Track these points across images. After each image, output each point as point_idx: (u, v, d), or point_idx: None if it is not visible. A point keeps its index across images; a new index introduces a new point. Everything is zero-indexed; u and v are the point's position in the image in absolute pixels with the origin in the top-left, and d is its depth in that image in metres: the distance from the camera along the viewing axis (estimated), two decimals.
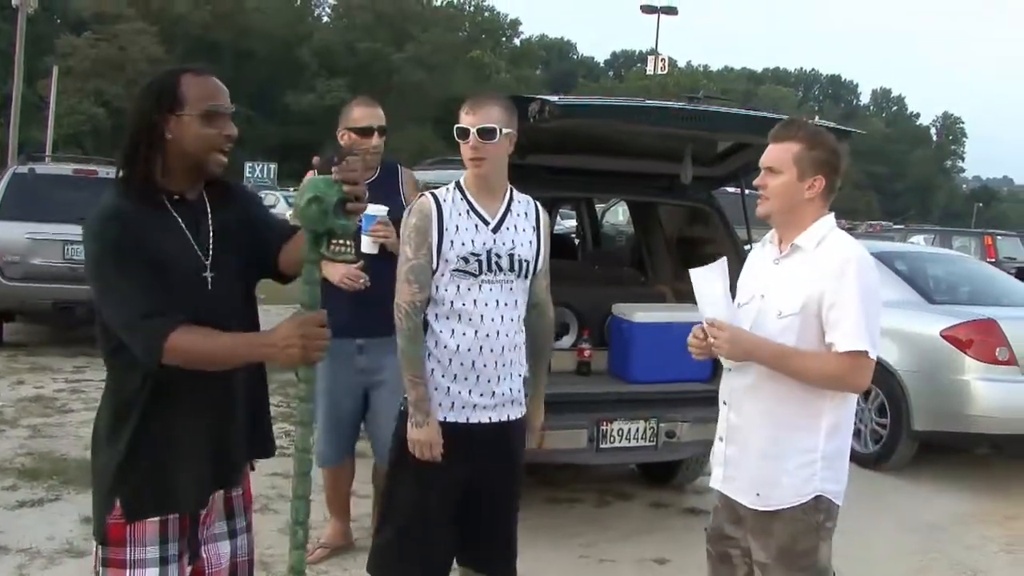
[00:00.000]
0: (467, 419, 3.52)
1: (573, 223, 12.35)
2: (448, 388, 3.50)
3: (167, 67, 2.64)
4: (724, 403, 3.30)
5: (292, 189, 34.96)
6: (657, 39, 47.39)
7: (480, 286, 3.46)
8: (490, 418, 3.55)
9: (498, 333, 3.49)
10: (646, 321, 5.99)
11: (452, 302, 3.46)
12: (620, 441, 5.51)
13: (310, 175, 2.60)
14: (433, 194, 3.54)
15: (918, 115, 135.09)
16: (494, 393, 3.53)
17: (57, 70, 31.92)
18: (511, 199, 3.61)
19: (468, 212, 3.50)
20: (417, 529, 3.55)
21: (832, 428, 3.13)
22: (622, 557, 5.52)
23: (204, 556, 2.64)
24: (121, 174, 2.51)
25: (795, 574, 3.13)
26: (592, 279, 7.30)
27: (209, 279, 2.53)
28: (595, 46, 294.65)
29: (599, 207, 12.03)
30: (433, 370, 3.49)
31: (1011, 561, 5.93)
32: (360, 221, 4.49)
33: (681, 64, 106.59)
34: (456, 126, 3.47)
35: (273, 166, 45.68)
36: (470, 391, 3.50)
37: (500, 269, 3.48)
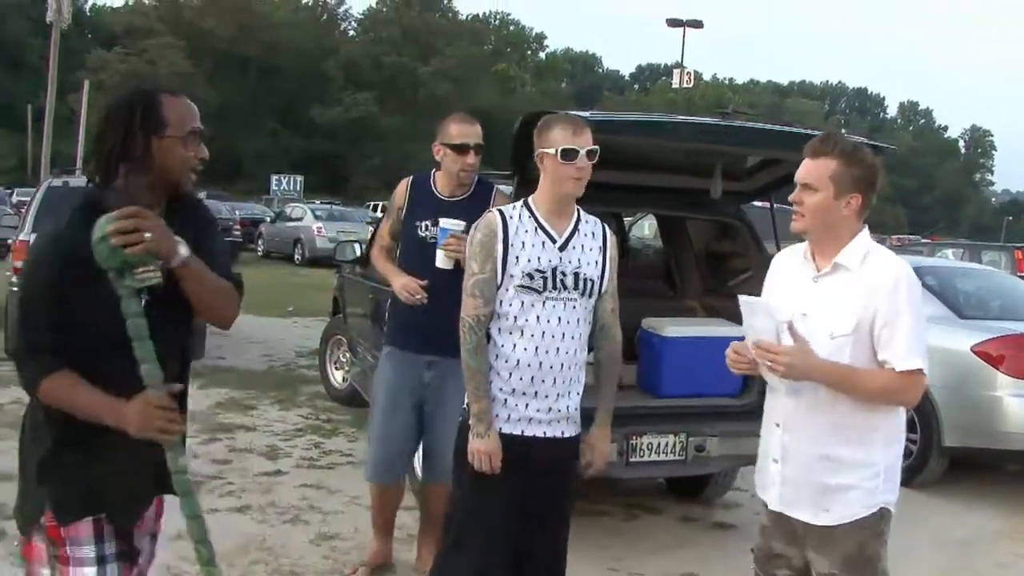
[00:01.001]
0: (522, 432, 3.56)
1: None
2: (506, 400, 3.55)
3: (137, 84, 2.64)
4: (777, 425, 3.28)
5: (319, 202, 35.16)
6: (683, 52, 47.38)
7: (544, 303, 3.50)
8: (545, 433, 3.58)
9: (558, 350, 3.53)
10: (676, 335, 6.00)
11: (515, 317, 3.50)
12: (649, 455, 5.52)
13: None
14: (500, 210, 3.59)
15: (946, 128, 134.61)
16: (551, 409, 3.56)
17: (88, 84, 32.22)
18: (579, 219, 3.66)
19: (536, 229, 3.54)
20: (471, 540, 3.59)
21: (887, 440, 3.16)
22: (651, 571, 5.52)
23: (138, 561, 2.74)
24: (92, 191, 2.54)
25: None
26: (621, 292, 7.29)
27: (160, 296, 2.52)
28: (620, 59, 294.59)
29: (627, 221, 12.02)
30: (492, 382, 3.54)
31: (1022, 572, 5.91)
32: (424, 229, 4.65)
33: (707, 77, 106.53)
34: (562, 148, 3.46)
35: (299, 179, 45.94)
36: (527, 405, 3.54)
37: (565, 287, 3.52)
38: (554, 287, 3.50)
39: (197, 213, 2.71)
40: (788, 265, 3.38)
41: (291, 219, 30.75)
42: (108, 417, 2.52)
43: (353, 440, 7.84)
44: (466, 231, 4.22)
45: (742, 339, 6.11)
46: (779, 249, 6.33)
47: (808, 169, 3.15)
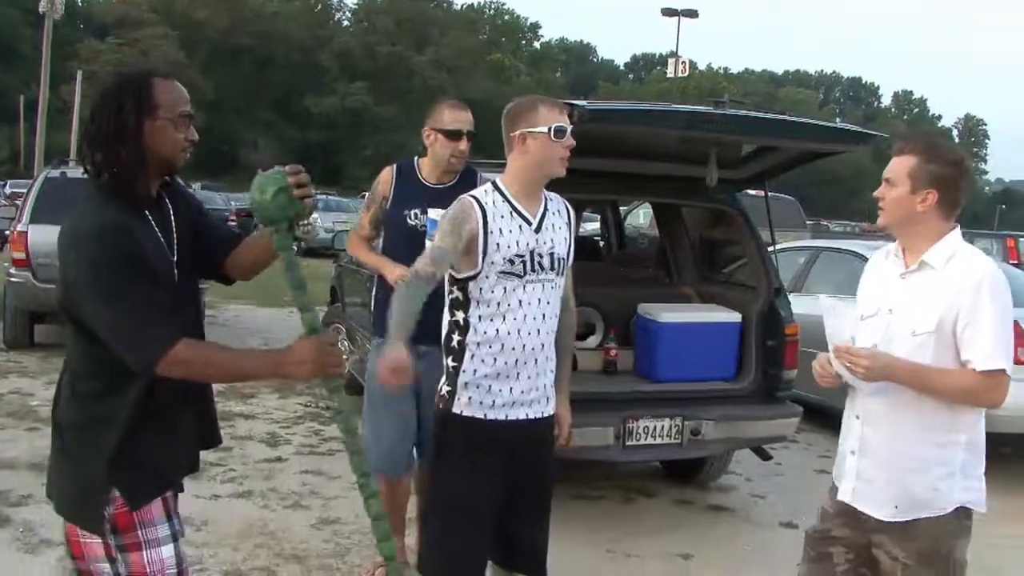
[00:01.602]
0: (506, 416, 3.57)
1: (596, 226, 12.44)
2: (490, 387, 3.54)
3: (129, 70, 2.66)
4: (857, 418, 3.31)
5: (316, 192, 35.11)
6: (678, 42, 47.46)
7: (525, 286, 3.51)
8: (527, 415, 3.61)
9: (539, 331, 3.55)
10: (672, 321, 6.08)
11: (499, 303, 3.50)
12: (646, 439, 5.60)
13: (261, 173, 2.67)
14: (476, 198, 3.56)
15: (940, 117, 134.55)
16: (533, 389, 3.59)
17: (81, 75, 32.21)
18: (546, 198, 3.66)
19: (511, 213, 3.54)
20: (457, 527, 3.60)
21: (969, 443, 3.18)
22: (648, 552, 5.60)
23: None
24: (103, 180, 2.54)
25: (935, 570, 3.18)
26: (617, 280, 7.40)
27: (176, 278, 2.61)
28: (615, 49, 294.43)
29: (622, 210, 12.09)
30: (476, 370, 3.54)
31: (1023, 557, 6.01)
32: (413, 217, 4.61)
33: (701, 66, 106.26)
34: (555, 125, 3.46)
35: None
36: (511, 388, 3.55)
37: (542, 268, 3.54)
38: (533, 269, 3.51)
39: (187, 194, 2.79)
40: (880, 263, 3.41)
41: None
42: (270, 366, 2.64)
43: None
44: None
45: (737, 324, 6.24)
46: (773, 236, 6.49)
47: (891, 165, 3.19)
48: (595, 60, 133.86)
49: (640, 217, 18.46)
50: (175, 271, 2.61)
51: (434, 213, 4.41)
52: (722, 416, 5.79)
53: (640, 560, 5.50)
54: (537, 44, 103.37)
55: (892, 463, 3.19)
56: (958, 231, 3.22)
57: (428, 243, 4.30)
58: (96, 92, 2.59)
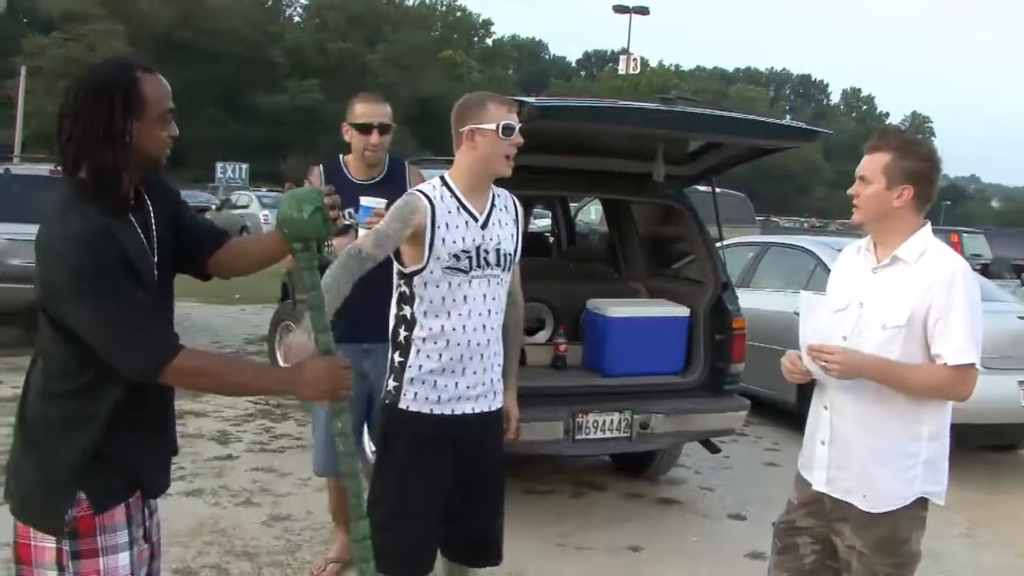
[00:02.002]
0: (452, 411, 3.59)
1: (547, 222, 12.48)
2: (435, 382, 3.56)
3: (113, 61, 2.53)
4: (825, 408, 3.36)
5: (265, 189, 34.88)
6: (629, 39, 47.61)
7: (471, 282, 3.53)
8: (473, 409, 3.63)
9: (484, 326, 3.57)
10: (620, 315, 6.13)
11: (444, 298, 3.51)
12: (595, 433, 5.64)
13: (290, 187, 2.67)
14: (424, 193, 3.56)
15: (888, 114, 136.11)
16: (480, 384, 3.61)
17: (25, 70, 31.79)
18: (493, 194, 3.68)
19: (458, 209, 3.55)
20: (403, 520, 3.58)
21: (933, 435, 3.23)
22: (598, 545, 5.64)
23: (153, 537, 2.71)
24: (82, 180, 2.43)
25: (891, 559, 3.25)
26: (567, 275, 7.44)
27: (156, 278, 2.56)
28: (567, 46, 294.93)
29: (573, 206, 12.15)
30: (422, 365, 3.55)
31: (971, 544, 6.13)
32: (348, 217, 4.57)
33: (653, 64, 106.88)
34: (503, 123, 3.48)
35: (245, 166, 45.39)
36: (456, 384, 3.57)
37: (488, 264, 3.55)
38: (478, 265, 3.53)
39: (167, 188, 2.71)
40: (851, 258, 3.46)
41: (237, 207, 30.58)
42: (281, 384, 2.64)
43: (303, 424, 7.88)
44: (388, 208, 4.18)
45: (686, 319, 6.30)
46: (720, 232, 6.56)
47: (865, 162, 3.24)
48: (547, 57, 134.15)
49: (591, 213, 18.55)
50: (155, 272, 2.55)
51: (366, 201, 4.39)
52: (671, 410, 5.84)
53: (590, 553, 5.53)
54: (489, 41, 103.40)
55: (860, 454, 3.25)
56: (929, 226, 3.28)
57: (361, 229, 4.23)
58: (79, 88, 2.42)
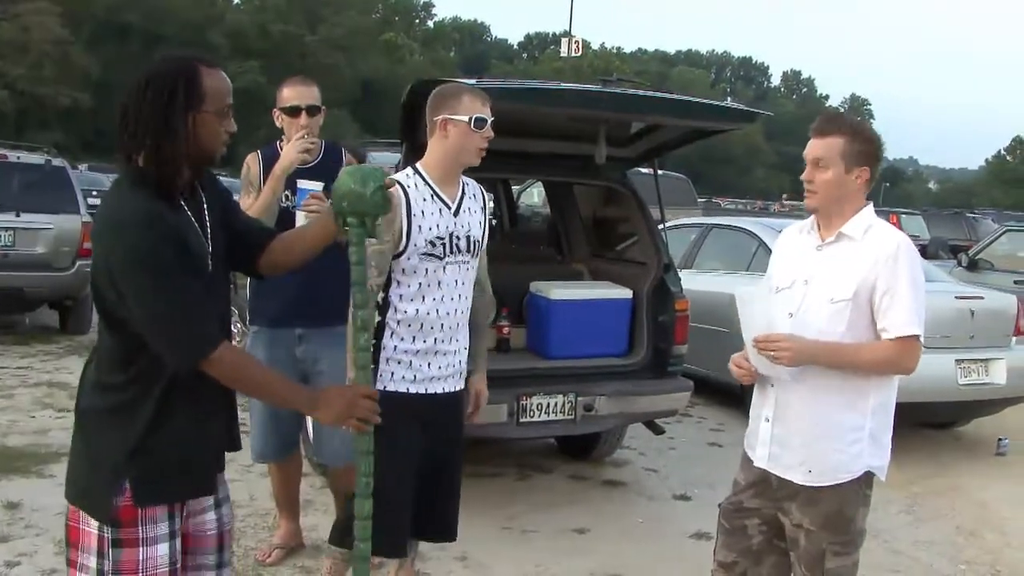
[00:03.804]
0: (426, 390, 3.68)
1: (489, 204, 12.46)
2: (411, 362, 3.64)
3: (177, 54, 2.56)
4: (771, 386, 3.38)
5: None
6: (571, 21, 47.71)
7: (444, 268, 3.63)
8: (444, 388, 3.73)
9: (456, 310, 3.69)
10: (563, 298, 6.13)
11: (420, 283, 3.60)
12: (539, 415, 5.64)
13: (349, 162, 2.69)
14: (399, 182, 3.59)
15: (827, 97, 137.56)
16: (450, 365, 3.72)
17: None
18: (463, 183, 3.77)
19: (432, 197, 3.63)
20: (382, 500, 3.56)
21: (878, 407, 3.29)
22: (544, 527, 5.66)
23: (193, 533, 2.70)
24: (139, 169, 2.47)
25: (838, 536, 3.29)
26: (510, 258, 7.41)
27: (210, 267, 2.60)
28: (509, 28, 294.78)
29: (515, 188, 12.14)
30: (396, 347, 3.63)
31: (911, 521, 6.22)
32: (285, 199, 4.53)
33: (595, 46, 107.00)
34: (476, 116, 3.55)
35: None
36: (430, 364, 3.66)
37: (460, 251, 3.66)
38: (451, 252, 3.63)
39: (217, 184, 2.75)
40: (793, 238, 3.52)
41: None
42: (300, 401, 2.68)
43: (247, 410, 7.77)
44: (325, 190, 4.19)
45: (628, 301, 6.32)
46: (663, 213, 6.58)
47: (817, 148, 3.27)
48: (489, 39, 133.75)
49: (534, 196, 18.55)
50: (209, 261, 2.59)
51: (303, 183, 4.35)
52: (615, 392, 5.86)
53: (536, 535, 5.55)
54: (431, 23, 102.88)
55: (806, 428, 3.29)
56: (871, 205, 3.35)
57: (299, 214, 4.31)
58: (141, 79, 2.47)
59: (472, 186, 3.82)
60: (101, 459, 2.52)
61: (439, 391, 3.72)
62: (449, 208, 3.66)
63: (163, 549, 2.53)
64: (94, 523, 2.51)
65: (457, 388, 3.81)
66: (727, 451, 7.52)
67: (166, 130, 2.42)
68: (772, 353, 3.18)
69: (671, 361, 6.19)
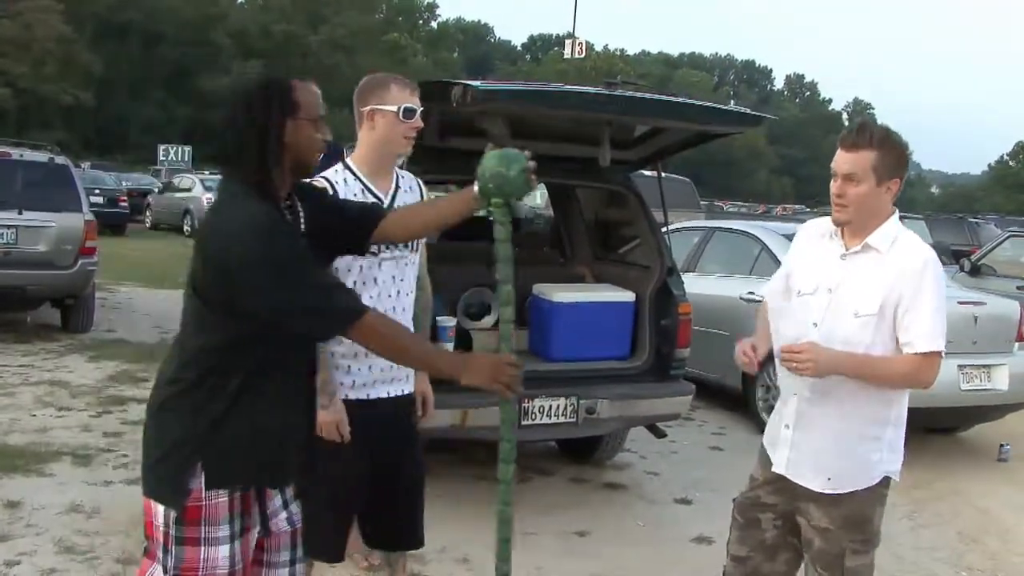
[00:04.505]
0: (368, 396, 3.58)
1: None
2: (349, 367, 3.54)
3: (268, 72, 2.77)
4: (795, 395, 3.36)
5: (208, 172, 34.45)
6: (575, 23, 47.63)
7: (380, 264, 3.53)
8: (388, 392, 3.62)
9: (395, 308, 3.55)
10: (566, 300, 6.13)
11: (355, 281, 3.48)
12: (541, 418, 5.63)
13: (492, 148, 2.78)
14: (326, 178, 3.53)
15: (830, 100, 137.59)
16: (393, 367, 3.55)
17: None
18: (397, 176, 3.68)
19: (363, 191, 3.55)
20: (320, 505, 3.36)
21: (897, 418, 3.31)
22: (544, 530, 5.63)
23: (270, 529, 2.76)
24: (244, 177, 2.59)
25: (857, 535, 3.31)
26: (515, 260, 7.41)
27: None
28: (512, 29, 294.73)
29: None
30: (334, 351, 3.51)
31: (912, 527, 6.22)
32: None
33: (598, 48, 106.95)
34: (405, 106, 3.49)
35: (188, 149, 44.80)
36: (370, 367, 3.55)
37: (396, 246, 3.53)
38: (387, 247, 3.51)
39: (313, 189, 2.93)
40: (815, 239, 3.45)
41: (180, 190, 30.17)
42: (449, 365, 2.74)
43: None
44: None
45: (631, 304, 6.32)
46: (666, 217, 6.57)
47: (848, 161, 3.20)
48: (492, 40, 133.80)
49: (536, 198, 18.53)
50: None
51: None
52: (617, 395, 5.85)
53: (537, 538, 5.52)
54: (434, 24, 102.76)
55: (827, 438, 3.28)
56: (897, 214, 3.32)
57: None
58: (240, 93, 2.65)
59: (408, 179, 3.73)
60: (175, 444, 2.59)
61: (382, 395, 3.60)
62: (382, 202, 3.54)
63: (224, 551, 2.59)
64: (160, 519, 2.58)
65: (404, 391, 3.69)
66: (728, 455, 7.52)
67: (265, 137, 2.57)
68: (795, 365, 3.14)
69: (673, 365, 6.18)
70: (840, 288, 3.25)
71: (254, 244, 2.46)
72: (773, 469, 3.44)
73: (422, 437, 3.90)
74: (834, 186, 3.25)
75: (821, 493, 3.30)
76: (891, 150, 3.19)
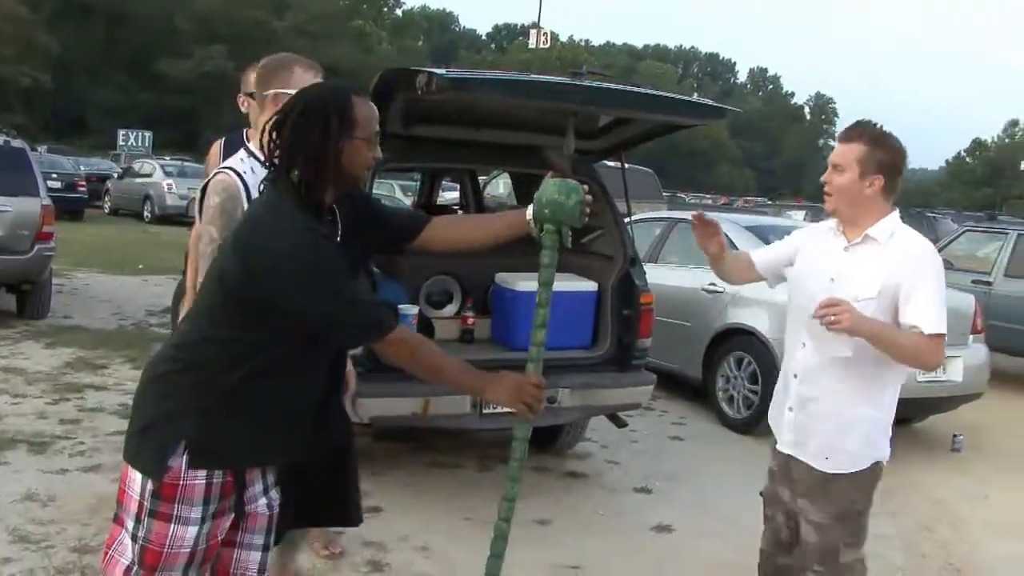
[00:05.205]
0: None
1: (455, 195, 12.43)
2: None
3: (330, 83, 2.77)
4: (795, 376, 3.55)
5: (169, 158, 34.16)
6: (540, 12, 47.60)
7: None
8: None
9: None
10: (528, 289, 6.11)
11: None
12: (502, 407, 5.60)
13: (551, 176, 2.81)
14: (232, 169, 3.46)
15: (793, 94, 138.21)
16: None
17: None
18: None
19: None
20: None
21: (891, 401, 3.49)
22: None
23: (247, 511, 2.75)
24: (290, 190, 2.59)
25: (849, 528, 3.48)
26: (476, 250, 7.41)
27: None
28: (477, 18, 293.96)
29: (482, 179, 12.11)
30: None
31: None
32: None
33: (563, 38, 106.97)
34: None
35: (148, 134, 44.18)
36: None
37: None
38: None
39: (357, 202, 2.83)
40: (820, 236, 3.63)
41: (140, 175, 29.87)
42: (473, 382, 2.80)
43: None
44: None
45: (593, 294, 6.33)
46: (629, 208, 6.59)
47: (839, 151, 3.42)
48: (457, 29, 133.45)
49: (500, 187, 18.53)
50: None
51: None
52: (578, 384, 5.87)
53: None
54: (399, 11, 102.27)
55: (824, 417, 3.45)
56: (896, 212, 3.46)
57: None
58: (298, 103, 2.63)
59: None
60: (164, 418, 2.59)
61: None
62: None
63: (192, 531, 2.59)
64: (137, 488, 2.58)
65: None
66: (688, 444, 7.56)
67: (320, 155, 2.56)
68: (833, 316, 3.17)
69: (635, 354, 6.21)
70: (840, 276, 3.40)
71: (302, 262, 2.48)
72: (778, 447, 3.64)
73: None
74: (824, 175, 3.46)
75: (817, 478, 3.46)
76: (881, 148, 3.36)
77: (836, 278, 3.40)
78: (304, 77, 3.44)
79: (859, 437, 3.43)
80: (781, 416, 3.63)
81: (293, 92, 3.38)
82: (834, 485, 3.45)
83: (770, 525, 3.77)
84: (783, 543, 3.70)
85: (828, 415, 3.44)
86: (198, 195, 3.69)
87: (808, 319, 3.32)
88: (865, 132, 3.39)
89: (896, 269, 3.29)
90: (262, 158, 3.44)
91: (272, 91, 3.44)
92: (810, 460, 3.48)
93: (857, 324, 3.20)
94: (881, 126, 3.45)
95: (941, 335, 3.26)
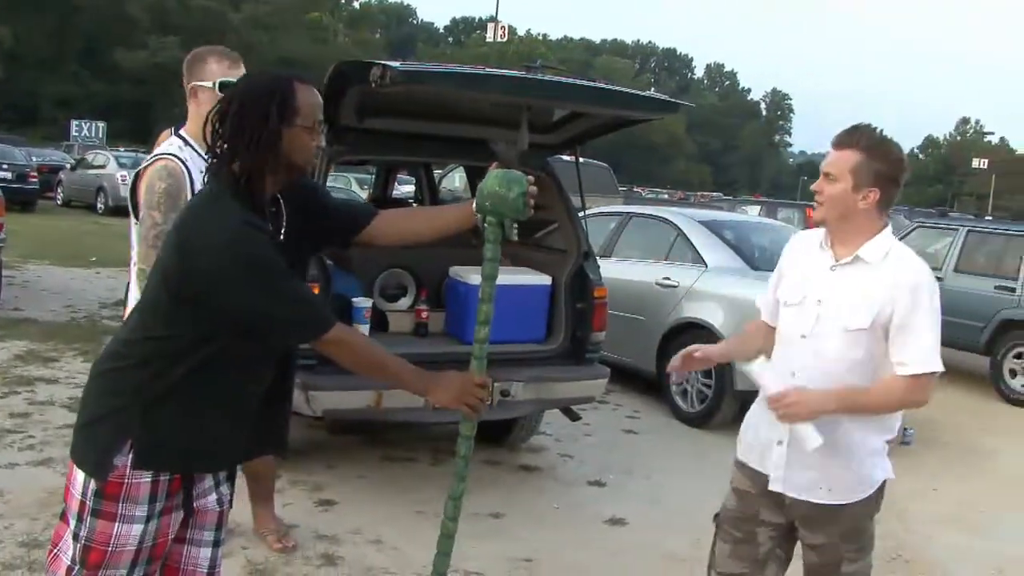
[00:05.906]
0: None
1: (411, 188, 12.41)
2: None
3: (273, 72, 2.67)
4: None
5: (123, 149, 33.79)
6: (497, 6, 47.53)
7: None
8: None
9: None
10: None
11: None
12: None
13: (494, 167, 2.78)
14: (174, 155, 3.49)
15: (749, 90, 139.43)
16: None
17: None
18: None
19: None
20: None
21: (891, 424, 3.19)
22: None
23: (196, 508, 2.72)
24: (230, 179, 2.54)
25: (853, 544, 3.22)
26: (432, 242, 7.40)
27: None
28: (435, 11, 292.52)
29: (437, 173, 12.09)
30: None
31: None
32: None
33: (521, 32, 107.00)
34: (221, 80, 3.54)
35: (101, 125, 43.72)
36: None
37: None
38: None
39: (304, 190, 2.79)
40: (805, 249, 3.32)
41: (93, 166, 29.50)
42: (417, 380, 2.74)
43: None
44: None
45: (547, 287, 6.34)
46: (583, 201, 6.61)
47: (831, 158, 3.12)
48: (415, 22, 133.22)
49: (456, 181, 18.52)
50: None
51: None
52: (532, 377, 5.87)
53: None
54: (356, 4, 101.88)
55: (826, 451, 3.06)
56: (891, 227, 3.18)
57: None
58: (240, 92, 2.57)
59: None
60: (108, 414, 2.57)
61: None
62: None
63: (136, 529, 2.56)
64: (79, 487, 2.56)
65: None
66: (642, 438, 7.60)
67: (260, 143, 2.51)
68: (785, 411, 3.01)
69: (589, 348, 6.23)
70: (828, 300, 3.12)
71: (244, 252, 2.45)
72: (770, 488, 3.26)
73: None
74: (815, 184, 3.17)
75: (819, 507, 3.18)
76: (878, 157, 3.06)
77: (823, 300, 3.11)
78: (217, 68, 3.51)
79: (860, 465, 3.16)
80: (768, 450, 3.25)
81: (208, 84, 3.48)
82: (840, 513, 3.17)
83: (743, 546, 3.37)
84: (759, 560, 3.35)
85: (826, 447, 3.04)
86: (130, 180, 3.72)
87: (799, 341, 3.14)
88: (861, 138, 3.06)
89: (889, 297, 3.00)
90: (198, 147, 3.48)
91: (191, 84, 3.53)
92: (807, 496, 3.18)
93: (817, 408, 3.01)
94: (880, 131, 3.14)
95: (932, 374, 3.00)
